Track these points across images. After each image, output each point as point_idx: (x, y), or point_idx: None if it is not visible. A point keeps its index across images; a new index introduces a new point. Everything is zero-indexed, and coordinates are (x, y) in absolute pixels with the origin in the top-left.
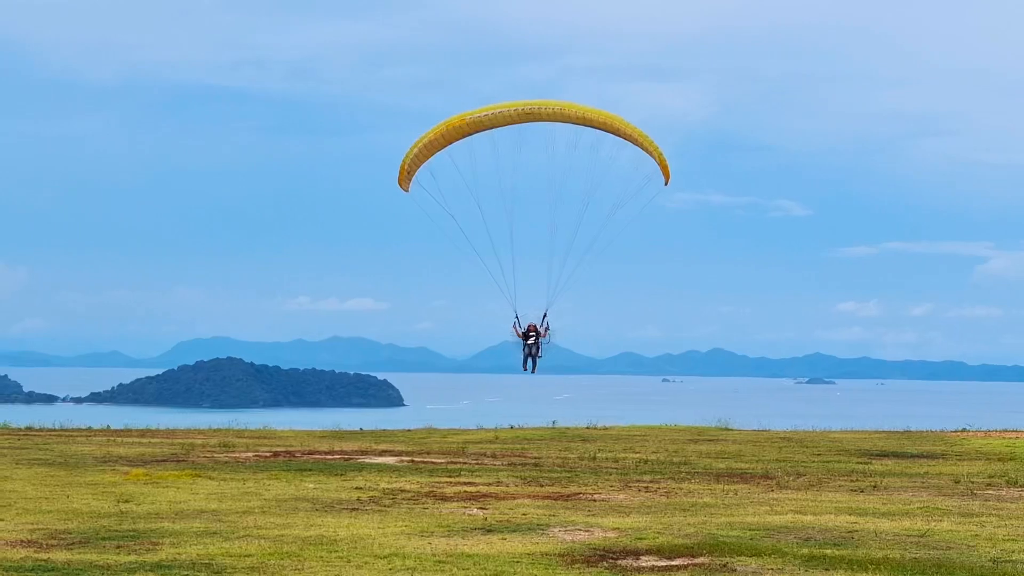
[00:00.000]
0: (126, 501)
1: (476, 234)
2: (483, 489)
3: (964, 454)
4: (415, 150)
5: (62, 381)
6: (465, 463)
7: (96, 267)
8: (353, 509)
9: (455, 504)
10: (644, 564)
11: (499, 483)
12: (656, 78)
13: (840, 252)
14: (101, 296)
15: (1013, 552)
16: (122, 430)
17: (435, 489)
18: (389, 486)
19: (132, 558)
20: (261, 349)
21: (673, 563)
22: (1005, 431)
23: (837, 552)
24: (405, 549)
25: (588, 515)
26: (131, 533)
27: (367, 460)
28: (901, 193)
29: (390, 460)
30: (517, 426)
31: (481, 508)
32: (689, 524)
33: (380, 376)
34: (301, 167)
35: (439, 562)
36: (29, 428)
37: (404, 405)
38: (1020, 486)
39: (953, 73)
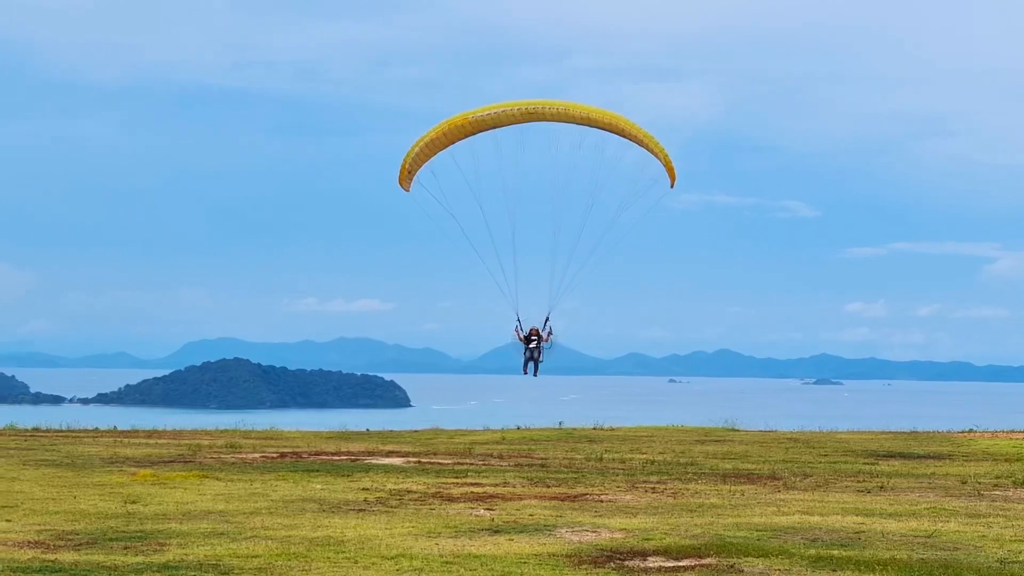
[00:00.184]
0: (133, 502)
1: (477, 235)
2: (490, 490)
3: (971, 455)
4: (416, 149)
5: (69, 382)
6: (472, 464)
7: (103, 268)
8: (360, 510)
9: (462, 505)
10: (651, 565)
11: (506, 484)
12: (661, 78)
13: (847, 253)
14: (108, 297)
15: (1020, 553)
16: (129, 431)
17: (442, 490)
18: (396, 487)
19: (139, 559)
20: (268, 350)
21: (680, 564)
22: (1012, 432)
23: (844, 553)
24: (412, 550)
25: (595, 516)
26: (138, 534)
27: (374, 461)
28: (908, 194)
29: (397, 461)
30: (524, 427)
31: (488, 509)
32: (696, 525)
33: (387, 377)
34: (307, 168)
35: (446, 563)
36: (36, 429)
37: (411, 406)
38: None
39: (960, 74)
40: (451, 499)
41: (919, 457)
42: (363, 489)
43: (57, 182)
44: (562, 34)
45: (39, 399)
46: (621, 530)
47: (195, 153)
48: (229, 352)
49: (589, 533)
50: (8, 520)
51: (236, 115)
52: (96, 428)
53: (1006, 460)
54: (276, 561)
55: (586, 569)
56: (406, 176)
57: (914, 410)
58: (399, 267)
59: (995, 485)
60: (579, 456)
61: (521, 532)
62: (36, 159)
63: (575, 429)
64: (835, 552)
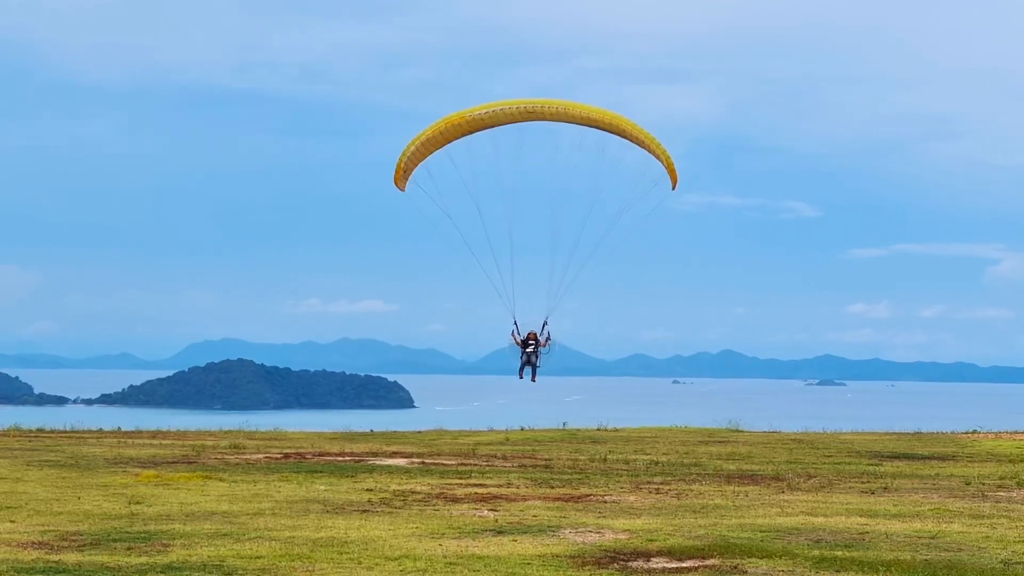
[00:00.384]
0: (137, 503)
1: (474, 237)
2: (494, 491)
3: (975, 456)
4: (412, 148)
5: (73, 383)
6: (476, 465)
7: (107, 269)
8: (364, 511)
9: (466, 506)
10: (655, 566)
11: (510, 485)
12: (666, 80)
13: (850, 254)
14: (112, 298)
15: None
16: (133, 432)
17: (446, 491)
18: (400, 488)
19: (143, 560)
20: (271, 351)
21: (684, 565)
22: (1016, 433)
23: (848, 554)
24: (416, 551)
25: (599, 517)
26: (142, 535)
27: (378, 462)
28: (912, 195)
29: (401, 462)
30: (527, 428)
31: (492, 510)
32: (700, 526)
33: (390, 378)
34: (312, 168)
35: (450, 564)
36: (40, 430)
37: (414, 407)
38: None
39: (964, 75)
40: (455, 500)
41: (923, 458)
42: (367, 490)
43: (61, 183)
44: (566, 35)
45: (43, 400)
46: (625, 531)
47: (199, 154)
48: (233, 353)
49: (593, 534)
50: (12, 521)
51: (240, 116)
52: (100, 429)
53: (1010, 461)
54: (280, 562)
55: (590, 570)
56: (401, 175)
57: (918, 411)
58: (403, 268)
59: (999, 486)
60: (583, 457)
61: (525, 533)
62: (40, 160)
63: (579, 430)
64: (839, 553)
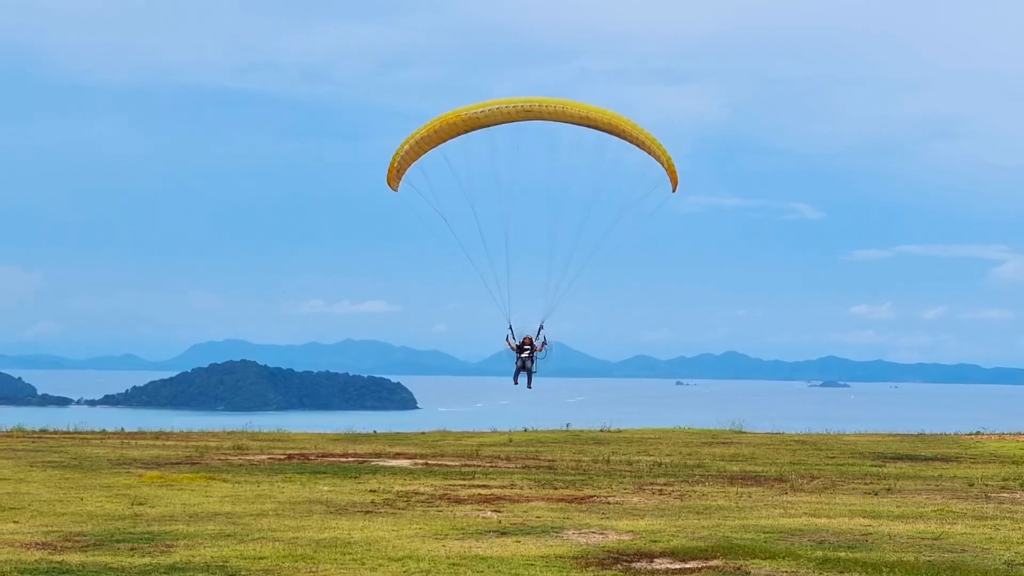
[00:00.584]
0: (140, 503)
1: (469, 238)
2: (497, 492)
3: (978, 457)
4: (406, 146)
5: (76, 384)
6: (479, 466)
7: (110, 270)
8: (367, 512)
9: (469, 507)
10: (658, 567)
11: (513, 486)
12: (670, 81)
13: (853, 255)
14: (115, 299)
15: None
16: (136, 432)
17: (449, 492)
18: (403, 488)
19: (146, 560)
20: (274, 352)
21: (687, 566)
22: (1019, 434)
23: (851, 555)
24: (419, 551)
25: (602, 518)
26: (145, 535)
27: (381, 463)
28: (915, 196)
29: (404, 463)
30: (531, 429)
31: (495, 511)
32: (703, 527)
33: (393, 379)
34: (314, 169)
35: (453, 564)
36: (43, 430)
37: (418, 408)
38: None
39: (967, 76)
40: (458, 501)
41: (926, 459)
42: (370, 491)
43: (64, 184)
44: (569, 36)
45: (46, 401)
46: (628, 532)
47: (202, 155)
48: (236, 354)
49: (596, 535)
50: (16, 521)
51: (243, 117)
52: (103, 430)
53: (1013, 462)
54: (283, 563)
55: (593, 571)
56: (395, 175)
57: (921, 412)
58: (406, 269)
59: (1002, 487)
60: (586, 458)
61: (528, 534)
62: (43, 161)
63: (582, 431)
64: (842, 554)
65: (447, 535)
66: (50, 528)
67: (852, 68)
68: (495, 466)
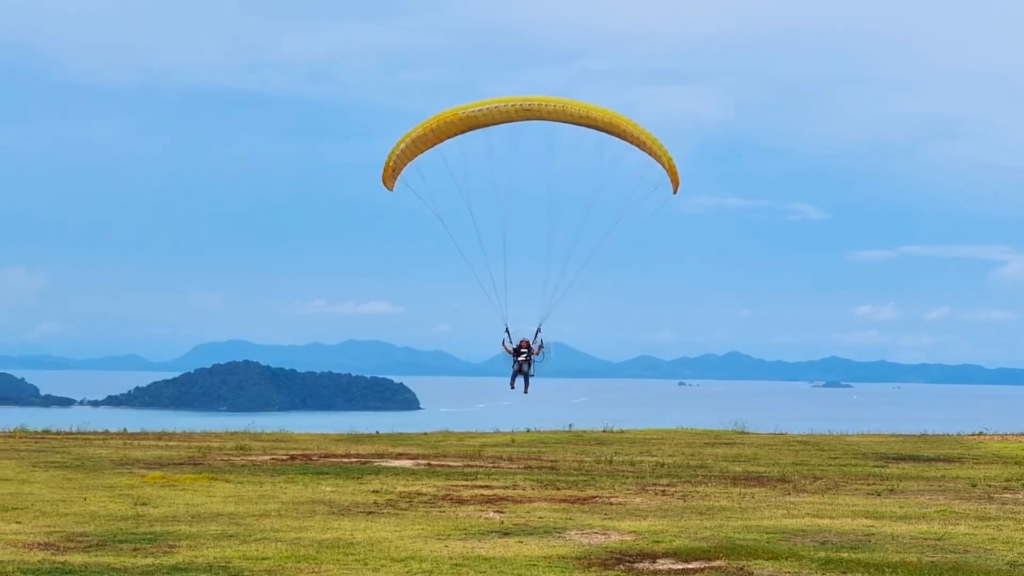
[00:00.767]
0: (143, 504)
1: (466, 239)
2: (500, 492)
3: (981, 458)
4: (402, 145)
5: (79, 384)
6: (482, 466)
7: (113, 270)
8: (370, 512)
9: (472, 507)
10: (661, 567)
11: (516, 486)
12: (672, 81)
13: (856, 255)
14: (118, 299)
15: None
16: (139, 433)
17: (452, 492)
18: (406, 489)
19: (149, 561)
20: (277, 352)
21: (689, 566)
22: (1022, 435)
23: (854, 555)
24: (422, 552)
25: (605, 518)
26: (148, 536)
27: (384, 463)
28: (917, 196)
29: (407, 463)
30: (533, 429)
31: (498, 511)
32: (706, 527)
33: (396, 379)
34: (318, 170)
35: (456, 565)
36: (46, 431)
37: (420, 408)
38: None
39: (969, 76)
40: (461, 501)
41: (929, 460)
42: (373, 491)
43: (68, 185)
44: (573, 36)
45: (49, 401)
46: (631, 532)
47: (205, 156)
48: (238, 355)
49: (599, 535)
50: (18, 522)
51: (246, 118)
52: (106, 430)
53: (1016, 463)
54: (286, 563)
55: (596, 571)
56: (390, 174)
57: (924, 413)
58: (409, 269)
59: (1005, 488)
60: (589, 458)
61: (531, 534)
62: (47, 162)
63: (585, 431)
64: (845, 555)
65: (450, 536)
66: (53, 528)
67: (854, 68)
68: (497, 467)
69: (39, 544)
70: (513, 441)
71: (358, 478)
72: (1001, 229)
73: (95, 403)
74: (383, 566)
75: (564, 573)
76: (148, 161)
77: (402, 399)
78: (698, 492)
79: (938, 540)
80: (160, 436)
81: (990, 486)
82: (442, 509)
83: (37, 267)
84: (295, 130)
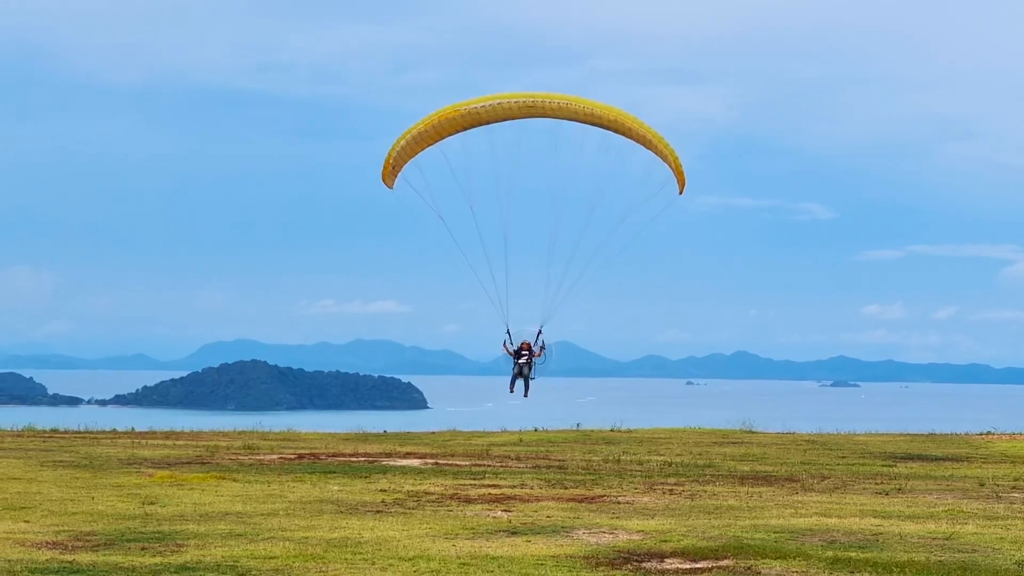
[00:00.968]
0: (151, 503)
1: (467, 239)
2: (507, 491)
3: (989, 457)
4: (402, 142)
5: (87, 383)
6: (489, 465)
7: (121, 270)
8: (378, 511)
9: (479, 506)
10: (668, 566)
11: (523, 485)
12: (681, 81)
13: (864, 255)
14: (126, 298)
15: None
16: (147, 432)
17: (459, 491)
18: (413, 488)
19: (157, 560)
20: (285, 352)
21: (697, 566)
22: None
23: (862, 555)
24: (430, 551)
25: (612, 517)
26: (156, 535)
27: (391, 462)
28: (926, 196)
29: (414, 462)
30: (541, 428)
31: (505, 510)
32: (713, 527)
33: (404, 379)
34: (325, 170)
35: (464, 564)
36: (54, 430)
37: (428, 407)
38: None
39: (978, 76)
40: (468, 501)
41: (937, 459)
42: (381, 490)
43: (75, 184)
44: (580, 36)
45: (57, 400)
46: (639, 532)
47: (213, 155)
48: (246, 354)
49: (606, 535)
50: (26, 521)
51: (254, 117)
52: (114, 429)
53: None
54: (293, 562)
55: (603, 571)
56: (390, 172)
57: (932, 412)
58: (417, 269)
59: (1013, 487)
60: (596, 458)
61: (538, 533)
62: (55, 161)
63: (592, 431)
64: (853, 554)
65: (457, 535)
66: (61, 527)
67: (863, 68)
68: (505, 466)
69: (47, 543)
70: (521, 440)
71: (366, 477)
72: (1009, 229)
73: (103, 402)
74: (391, 565)
75: (572, 572)
76: (156, 161)
77: (410, 398)
78: (706, 491)
79: (946, 539)
80: (168, 435)
81: (998, 485)
82: (450, 508)
83: (45, 266)
84: (303, 130)
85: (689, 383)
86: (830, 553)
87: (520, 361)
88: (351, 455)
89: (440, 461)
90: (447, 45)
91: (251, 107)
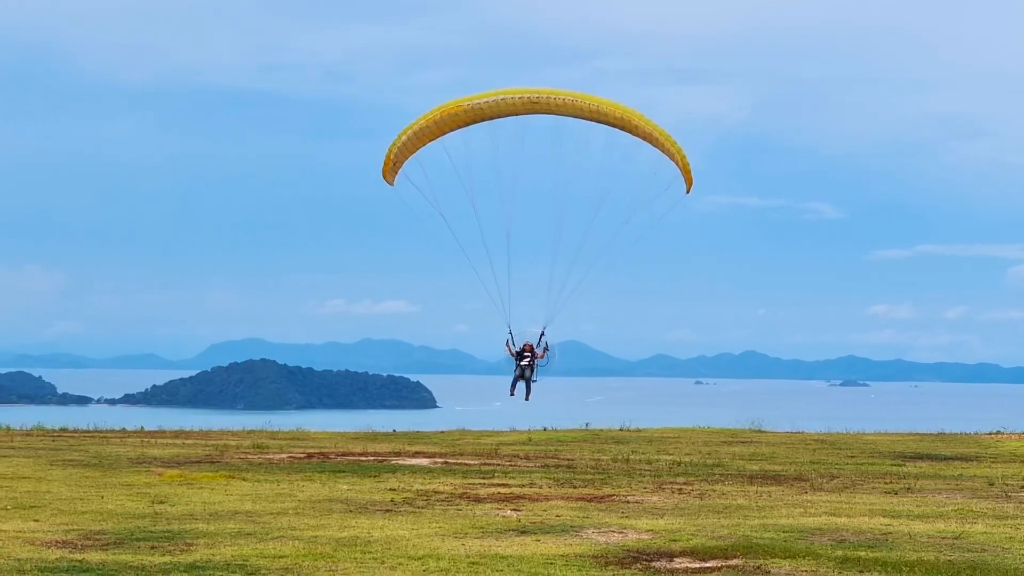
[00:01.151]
0: (160, 502)
1: (468, 237)
2: (517, 491)
3: (998, 456)
4: (403, 138)
5: (96, 383)
6: (498, 465)
7: (130, 269)
8: (387, 510)
9: (489, 505)
10: (678, 566)
11: (532, 485)
12: (690, 81)
13: (873, 255)
14: (135, 298)
15: None
16: (156, 431)
17: (469, 490)
18: (423, 487)
19: (166, 559)
20: (294, 351)
21: (707, 565)
22: None
23: (871, 554)
24: (439, 550)
25: (622, 517)
26: (165, 534)
27: (401, 461)
28: (934, 195)
29: (423, 461)
30: (550, 428)
31: (515, 509)
32: (723, 526)
33: (413, 378)
34: (334, 169)
35: (473, 563)
36: (63, 429)
37: (437, 407)
38: None
39: (986, 76)
40: (478, 500)
41: (946, 459)
42: (390, 490)
43: (85, 183)
44: (589, 36)
45: (66, 400)
46: (648, 531)
47: (222, 155)
48: (255, 353)
49: (616, 534)
50: (36, 520)
51: (263, 117)
52: (123, 428)
53: None
54: (303, 561)
55: (613, 570)
56: (391, 168)
57: (941, 412)
58: (426, 269)
59: (1022, 487)
60: (606, 457)
61: (548, 533)
62: (64, 160)
63: (601, 430)
64: (862, 553)
65: (467, 534)
66: (70, 526)
67: (871, 68)
68: (514, 465)
69: (57, 542)
70: (530, 440)
71: (375, 476)
72: (1018, 228)
73: (112, 401)
74: (400, 564)
75: (581, 571)
76: (164, 160)
77: (419, 398)
78: (715, 491)
79: (955, 539)
80: (177, 434)
81: (1007, 485)
82: (459, 507)
83: (54, 266)
84: (310, 129)
85: (698, 383)
86: (840, 552)
87: (522, 363)
88: (360, 454)
89: (449, 460)
90: (454, 45)
91: (259, 107)
